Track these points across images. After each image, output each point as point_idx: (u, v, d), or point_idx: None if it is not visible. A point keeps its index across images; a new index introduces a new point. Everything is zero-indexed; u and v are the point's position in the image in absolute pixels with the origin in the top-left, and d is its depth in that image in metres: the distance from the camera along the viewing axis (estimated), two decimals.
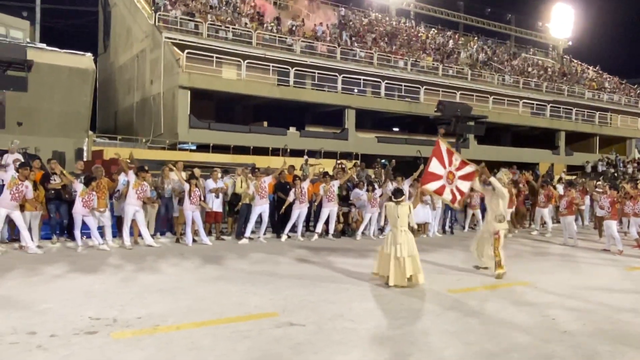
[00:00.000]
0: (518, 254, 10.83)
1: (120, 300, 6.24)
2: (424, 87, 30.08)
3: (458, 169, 8.58)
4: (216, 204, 11.38)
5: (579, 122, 36.77)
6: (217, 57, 24.13)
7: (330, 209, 12.23)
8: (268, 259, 9.50)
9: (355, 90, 28.10)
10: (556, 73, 42.00)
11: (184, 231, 10.97)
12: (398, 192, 7.74)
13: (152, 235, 10.74)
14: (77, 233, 9.73)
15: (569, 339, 5.40)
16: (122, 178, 10.62)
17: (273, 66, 25.52)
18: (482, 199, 11.27)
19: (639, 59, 76.43)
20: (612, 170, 33.86)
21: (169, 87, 23.50)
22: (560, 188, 15.22)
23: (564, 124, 35.71)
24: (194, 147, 23.91)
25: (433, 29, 41.23)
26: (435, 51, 35.25)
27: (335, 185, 12.28)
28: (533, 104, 34.51)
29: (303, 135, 25.97)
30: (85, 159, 18.15)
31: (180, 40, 23.87)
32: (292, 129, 25.78)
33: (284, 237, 11.86)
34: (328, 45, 28.52)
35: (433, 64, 32.19)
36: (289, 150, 22.97)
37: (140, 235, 10.43)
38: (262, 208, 11.51)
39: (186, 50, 23.17)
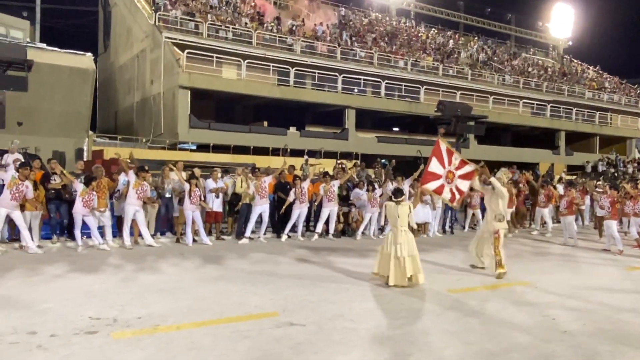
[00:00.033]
0: (518, 254, 10.83)
1: (121, 300, 6.24)
2: (424, 87, 30.09)
3: (458, 168, 8.59)
4: (216, 204, 11.38)
5: (579, 122, 36.77)
6: (217, 57, 24.13)
7: (331, 209, 12.23)
8: (268, 258, 9.50)
9: (356, 90, 28.10)
10: (556, 73, 42.00)
11: (184, 231, 10.97)
12: (398, 192, 7.74)
13: (152, 235, 10.74)
14: (77, 233, 9.73)
15: (569, 339, 5.40)
16: (122, 178, 10.62)
17: (273, 66, 25.52)
18: (482, 199, 11.26)
19: (639, 59, 76.53)
20: (612, 170, 33.87)
21: (169, 87, 23.50)
22: (560, 188, 15.21)
23: (564, 124, 35.72)
24: (194, 147, 23.92)
25: (433, 29, 41.24)
26: (435, 51, 35.25)
27: (335, 185, 12.28)
28: (533, 104, 34.51)
29: (303, 135, 25.98)
30: (85, 159, 18.15)
31: (180, 40, 23.88)
32: (292, 129, 25.79)
33: (284, 237, 11.86)
34: (328, 45, 28.52)
35: (433, 64, 32.19)
36: (289, 150, 22.97)
37: (140, 235, 10.43)
38: (262, 208, 11.51)
39: (186, 50, 23.18)
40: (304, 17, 31.20)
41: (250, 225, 11.46)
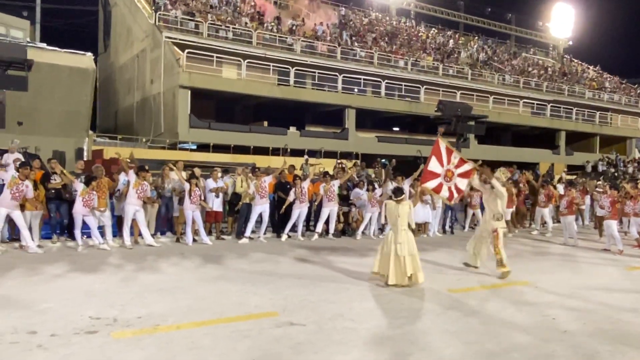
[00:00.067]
0: (518, 254, 10.82)
1: (121, 299, 6.24)
2: (424, 86, 30.09)
3: (457, 166, 8.61)
4: (216, 204, 11.38)
5: (579, 122, 36.78)
6: (217, 57, 24.14)
7: (331, 209, 12.23)
8: (268, 258, 9.50)
9: (356, 90, 28.11)
10: (556, 73, 41.99)
11: (184, 231, 10.97)
12: (398, 191, 7.74)
13: (153, 235, 10.74)
14: (78, 233, 9.73)
15: (569, 338, 5.41)
16: (122, 178, 10.61)
17: (273, 66, 25.52)
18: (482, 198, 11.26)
19: (639, 59, 76.51)
20: (613, 170, 33.88)
21: (169, 86, 23.50)
22: (560, 188, 15.20)
23: (564, 123, 35.72)
24: (194, 147, 23.92)
25: (433, 29, 41.25)
26: (435, 51, 35.25)
27: (335, 184, 12.27)
28: (533, 103, 34.52)
29: (303, 134, 25.99)
30: (85, 159, 18.14)
31: (180, 39, 23.89)
32: (292, 129, 25.79)
33: (284, 236, 11.86)
34: (328, 45, 28.52)
35: (433, 64, 32.19)
36: (289, 149, 22.98)
37: (140, 234, 10.42)
38: (262, 208, 11.51)
39: (186, 50, 23.18)
40: (304, 17, 31.20)
41: (250, 225, 11.46)
